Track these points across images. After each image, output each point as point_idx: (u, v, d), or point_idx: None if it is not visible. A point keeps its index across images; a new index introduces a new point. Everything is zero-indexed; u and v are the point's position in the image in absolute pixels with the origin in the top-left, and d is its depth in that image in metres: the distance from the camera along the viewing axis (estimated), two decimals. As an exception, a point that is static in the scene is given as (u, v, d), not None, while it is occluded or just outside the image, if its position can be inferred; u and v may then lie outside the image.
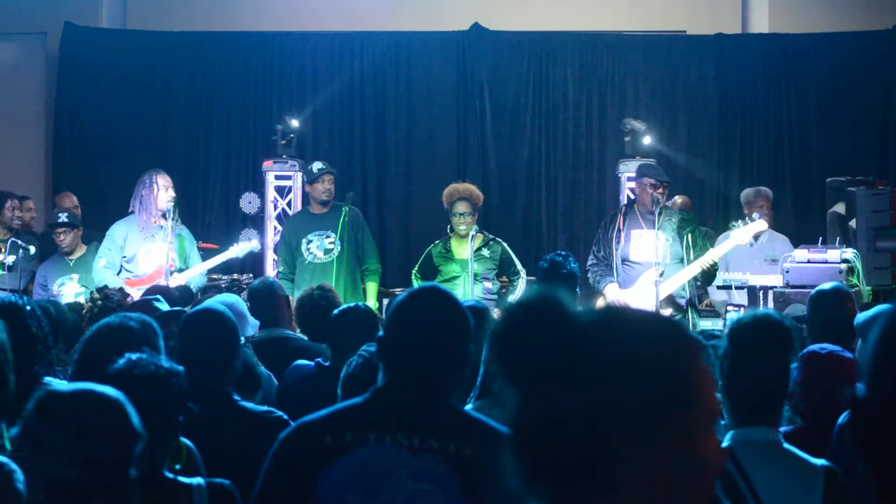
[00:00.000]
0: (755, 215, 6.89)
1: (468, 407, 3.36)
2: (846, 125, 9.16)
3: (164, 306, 4.34)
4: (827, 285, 4.66)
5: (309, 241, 7.35)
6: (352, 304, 4.52)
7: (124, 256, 6.90)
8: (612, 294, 6.67)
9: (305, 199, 8.67)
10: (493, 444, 2.14)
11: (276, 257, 8.65)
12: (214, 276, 7.65)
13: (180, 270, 6.93)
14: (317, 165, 7.54)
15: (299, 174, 8.65)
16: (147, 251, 6.87)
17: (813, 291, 4.63)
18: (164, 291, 5.37)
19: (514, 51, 9.51)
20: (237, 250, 7.16)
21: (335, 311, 4.36)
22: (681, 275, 6.62)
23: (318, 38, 9.62)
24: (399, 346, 2.24)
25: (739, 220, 6.92)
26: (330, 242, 7.34)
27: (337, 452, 2.15)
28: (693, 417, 1.13)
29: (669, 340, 1.15)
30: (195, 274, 6.97)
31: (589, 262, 6.98)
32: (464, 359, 2.25)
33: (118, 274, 6.84)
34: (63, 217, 7.37)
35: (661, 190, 6.74)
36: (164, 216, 6.91)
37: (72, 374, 2.97)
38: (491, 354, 1.17)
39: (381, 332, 2.29)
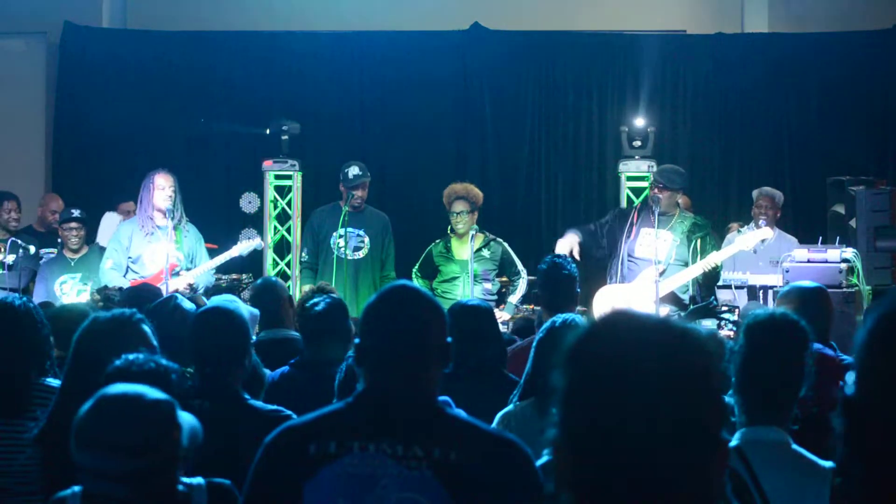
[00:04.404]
0: (762, 222, 7.00)
1: (509, 407, 3.36)
2: (846, 125, 9.16)
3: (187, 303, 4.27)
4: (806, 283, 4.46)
5: (339, 236, 7.36)
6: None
7: (130, 257, 6.89)
8: (607, 293, 6.75)
9: (308, 198, 8.68)
10: (479, 447, 2.10)
11: (275, 255, 8.66)
12: (215, 276, 7.63)
13: (187, 269, 6.92)
14: (353, 171, 7.38)
15: (299, 174, 8.65)
16: (152, 251, 6.86)
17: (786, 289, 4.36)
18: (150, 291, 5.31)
19: (514, 51, 9.51)
20: (240, 248, 7.14)
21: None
22: (681, 275, 6.75)
23: (318, 38, 9.62)
24: (376, 351, 2.20)
25: (745, 227, 7.02)
26: (361, 241, 7.40)
27: (321, 461, 2.12)
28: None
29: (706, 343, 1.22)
30: (201, 273, 6.94)
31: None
32: (443, 354, 2.22)
33: (125, 275, 6.82)
34: (76, 212, 7.34)
35: (656, 190, 6.94)
36: (166, 215, 6.89)
37: (66, 370, 2.97)
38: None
39: (357, 339, 2.25)
